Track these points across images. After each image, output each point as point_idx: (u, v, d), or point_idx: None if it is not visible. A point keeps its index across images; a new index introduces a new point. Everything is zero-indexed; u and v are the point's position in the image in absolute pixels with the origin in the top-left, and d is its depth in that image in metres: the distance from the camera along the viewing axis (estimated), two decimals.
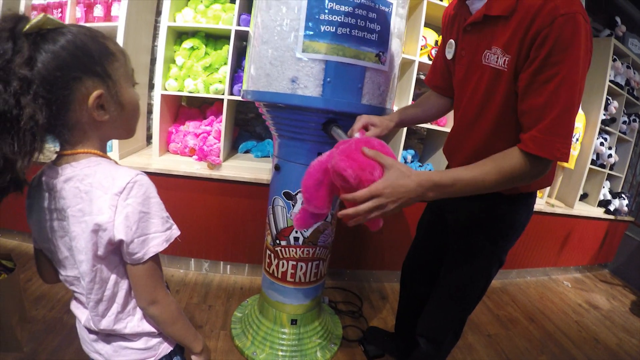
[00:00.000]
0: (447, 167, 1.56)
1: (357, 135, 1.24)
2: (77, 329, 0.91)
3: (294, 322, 1.89)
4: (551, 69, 0.96)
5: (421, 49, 2.61)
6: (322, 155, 1.13)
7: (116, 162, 0.79)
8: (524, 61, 1.02)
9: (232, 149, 2.91)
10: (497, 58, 1.08)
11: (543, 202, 3.22)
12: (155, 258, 0.79)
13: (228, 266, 2.70)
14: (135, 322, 0.84)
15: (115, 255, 0.78)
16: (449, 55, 1.32)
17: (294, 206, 1.70)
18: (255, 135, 3.10)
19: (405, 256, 1.81)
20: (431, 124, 2.74)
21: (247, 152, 2.88)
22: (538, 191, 3.16)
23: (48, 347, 1.76)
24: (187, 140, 2.56)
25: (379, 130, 1.30)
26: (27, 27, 0.63)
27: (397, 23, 1.50)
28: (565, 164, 3.24)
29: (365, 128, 1.30)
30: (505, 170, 1.02)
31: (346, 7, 1.35)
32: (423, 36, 2.62)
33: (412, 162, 2.98)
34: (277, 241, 1.78)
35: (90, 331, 0.86)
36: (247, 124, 3.13)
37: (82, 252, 0.74)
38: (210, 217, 2.54)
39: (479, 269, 1.40)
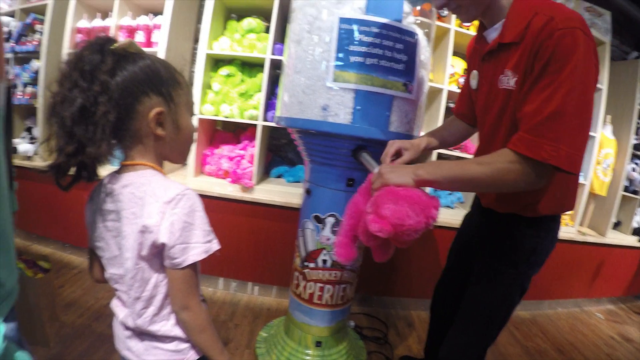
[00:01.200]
0: (476, 196, 1.60)
1: (387, 160, 1.29)
2: (113, 327, 0.98)
3: (318, 344, 1.90)
4: (547, 78, 0.99)
5: (450, 77, 2.65)
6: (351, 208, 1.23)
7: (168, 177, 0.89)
8: (528, 76, 1.07)
9: (265, 173, 2.99)
10: (508, 79, 1.14)
11: (574, 230, 3.14)
12: (194, 267, 0.85)
13: (256, 287, 2.74)
14: (169, 326, 0.90)
15: (158, 259, 0.85)
16: (474, 85, 1.37)
17: (323, 229, 1.74)
18: (288, 161, 3.18)
19: (435, 283, 1.81)
20: (460, 151, 2.75)
21: (279, 176, 2.96)
22: (569, 219, 3.12)
23: (75, 351, 1.84)
24: (222, 163, 2.66)
25: (412, 153, 1.34)
26: (114, 46, 0.79)
27: (423, 53, 1.56)
28: (597, 192, 3.17)
29: (398, 153, 1.34)
30: (486, 160, 1.06)
31: (374, 39, 1.43)
32: (451, 64, 2.67)
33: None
34: (306, 263, 1.82)
35: (126, 328, 0.92)
36: (280, 149, 3.23)
37: (129, 250, 0.82)
38: (241, 238, 2.61)
39: (501, 295, 1.38)
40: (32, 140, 3.11)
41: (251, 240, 2.62)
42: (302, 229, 1.81)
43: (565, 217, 3.11)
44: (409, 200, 1.02)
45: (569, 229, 3.10)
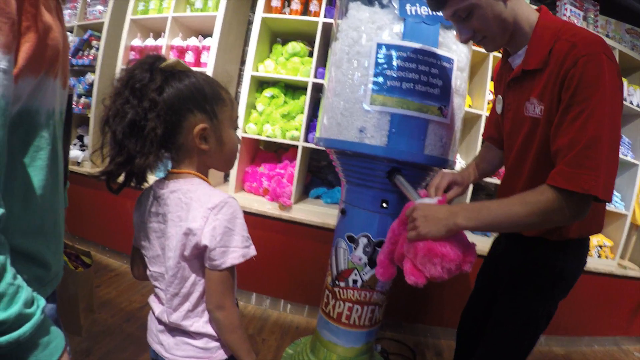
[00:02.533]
0: None
1: (436, 199, 1.29)
2: (148, 322, 1.06)
3: None
4: (577, 107, 0.99)
5: (488, 103, 2.64)
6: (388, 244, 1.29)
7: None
8: (556, 106, 1.06)
9: (304, 193, 3.05)
10: (534, 107, 1.14)
11: (615, 263, 2.97)
12: (231, 269, 0.91)
13: (288, 305, 2.76)
14: (201, 323, 0.95)
15: (198, 260, 0.92)
16: (499, 110, 1.38)
17: (355, 249, 1.75)
18: (326, 183, 3.23)
19: None
20: (498, 178, 2.72)
21: (317, 197, 3.00)
22: (609, 251, 3.01)
23: (104, 347, 1.93)
24: (262, 181, 2.73)
25: (462, 189, 1.37)
26: (163, 65, 0.87)
27: (458, 78, 1.59)
28: (639, 223, 3.04)
29: (448, 187, 1.36)
30: (529, 200, 1.04)
31: (410, 64, 1.47)
32: (490, 90, 2.66)
33: None
34: (337, 282, 1.83)
35: (160, 322, 0.99)
36: (320, 171, 3.29)
37: (172, 250, 0.90)
38: (276, 255, 2.65)
39: (526, 320, 1.35)
40: (83, 147, 3.32)
41: (286, 258, 2.65)
42: (335, 247, 1.83)
43: (605, 250, 3.00)
44: (445, 259, 1.07)
45: (609, 262, 2.95)
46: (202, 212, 0.86)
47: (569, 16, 2.84)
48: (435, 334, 2.81)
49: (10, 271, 0.51)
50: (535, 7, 1.22)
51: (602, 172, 0.97)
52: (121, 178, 0.90)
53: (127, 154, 0.83)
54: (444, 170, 1.48)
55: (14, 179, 0.60)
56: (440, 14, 1.52)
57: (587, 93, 0.98)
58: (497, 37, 1.18)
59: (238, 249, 0.90)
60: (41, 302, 0.57)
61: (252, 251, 0.93)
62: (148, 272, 1.01)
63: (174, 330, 0.97)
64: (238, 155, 1.08)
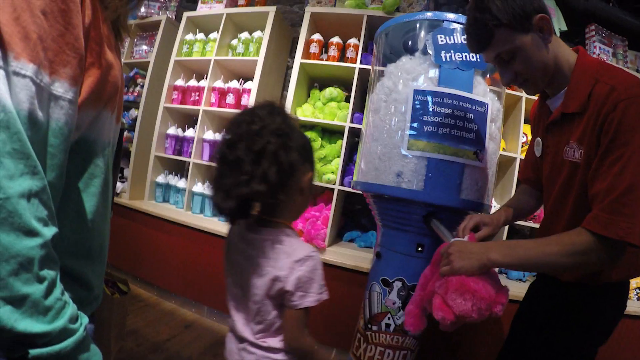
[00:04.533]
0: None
1: (466, 237, 1.29)
2: (226, 341, 1.16)
3: None
4: (617, 151, 0.98)
5: (522, 146, 2.63)
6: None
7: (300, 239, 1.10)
8: (595, 151, 1.05)
9: (337, 236, 3.05)
10: (574, 152, 1.13)
11: None
12: (307, 310, 1.03)
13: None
14: (278, 339, 1.07)
15: (278, 300, 1.04)
16: (538, 153, 1.37)
17: (389, 293, 1.73)
18: (360, 227, 3.22)
19: None
20: (533, 222, 2.68)
21: (351, 241, 3.00)
22: None
23: None
24: (297, 223, 2.78)
25: (491, 229, 1.35)
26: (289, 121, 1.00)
27: (493, 121, 1.61)
28: None
29: (477, 227, 1.35)
30: (565, 241, 1.02)
31: (446, 109, 1.51)
32: (523, 133, 2.65)
33: None
34: (369, 325, 1.80)
35: (241, 341, 1.09)
36: (354, 215, 3.30)
37: (259, 289, 1.02)
38: None
39: None
40: (122, 179, 3.45)
41: None
42: (369, 291, 1.82)
43: None
44: (476, 296, 1.05)
45: None
46: (288, 264, 1.00)
47: (599, 53, 2.85)
48: None
49: (59, 287, 0.54)
50: (571, 46, 1.22)
51: (638, 219, 0.96)
52: None
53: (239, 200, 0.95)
54: (472, 214, 1.50)
55: (68, 202, 0.63)
56: (474, 58, 1.54)
57: (626, 138, 0.97)
58: (539, 80, 1.19)
59: (315, 295, 1.02)
60: (84, 319, 0.59)
61: (325, 296, 1.04)
62: (228, 295, 1.15)
63: (255, 346, 1.07)
64: None
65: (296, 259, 0.99)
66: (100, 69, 0.62)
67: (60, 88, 0.54)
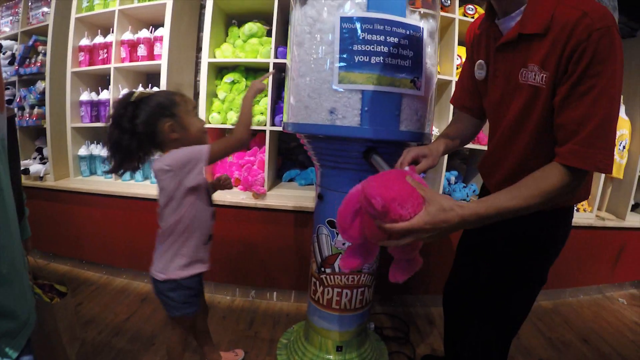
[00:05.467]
0: (483, 185, 1.56)
1: (406, 169, 1.20)
2: None
3: (339, 348, 1.88)
4: (589, 81, 0.96)
5: (457, 68, 2.60)
6: (360, 182, 1.11)
7: None
8: (562, 76, 1.02)
9: (277, 177, 2.98)
10: (535, 75, 1.08)
11: (593, 216, 3.04)
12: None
13: (274, 293, 2.73)
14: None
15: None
16: (480, 76, 1.32)
17: (337, 234, 1.71)
18: (299, 164, 3.17)
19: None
20: (472, 143, 2.70)
21: (291, 180, 2.94)
22: (587, 205, 3.04)
23: None
24: (232, 171, 2.64)
25: (430, 160, 1.29)
26: (133, 98, 1.42)
27: (429, 46, 1.52)
28: (614, 175, 3.06)
29: (416, 161, 1.29)
30: (547, 190, 1.00)
31: (378, 36, 1.38)
32: (458, 55, 2.62)
33: (455, 183, 2.94)
34: (322, 269, 1.79)
35: None
36: (290, 152, 3.21)
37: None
38: (257, 245, 2.60)
39: (520, 288, 1.35)
40: (43, 160, 3.13)
41: (267, 247, 2.60)
42: (317, 234, 1.79)
43: (583, 203, 3.03)
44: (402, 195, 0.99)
45: (588, 214, 3.01)
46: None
47: None
48: (425, 302, 2.84)
49: None
50: None
51: (611, 149, 0.98)
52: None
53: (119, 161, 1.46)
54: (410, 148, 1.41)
55: None
56: None
57: (599, 68, 0.95)
58: None
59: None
60: None
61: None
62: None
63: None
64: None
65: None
66: None
67: None
